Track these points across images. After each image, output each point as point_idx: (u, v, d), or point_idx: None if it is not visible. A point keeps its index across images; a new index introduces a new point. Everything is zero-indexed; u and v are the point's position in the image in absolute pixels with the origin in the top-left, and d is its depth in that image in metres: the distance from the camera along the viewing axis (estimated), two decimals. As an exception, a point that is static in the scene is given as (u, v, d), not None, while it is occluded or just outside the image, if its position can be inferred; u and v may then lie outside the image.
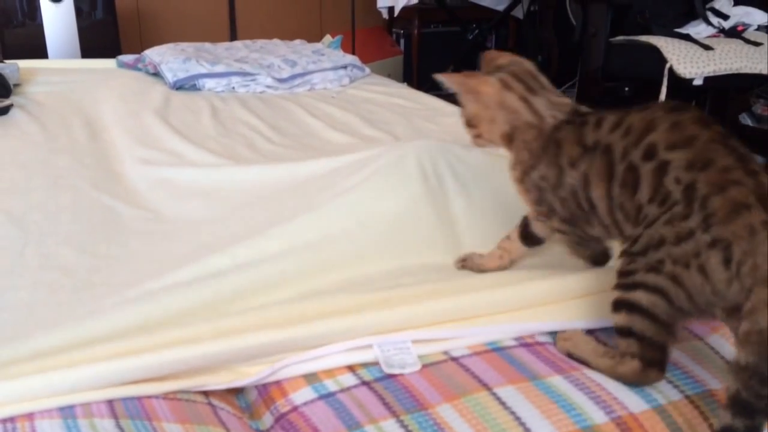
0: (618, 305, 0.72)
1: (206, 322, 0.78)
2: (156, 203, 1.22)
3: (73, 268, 0.97)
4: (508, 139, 0.87)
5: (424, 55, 3.56)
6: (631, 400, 0.71)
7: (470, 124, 0.89)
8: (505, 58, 0.90)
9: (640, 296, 0.70)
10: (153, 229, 1.12)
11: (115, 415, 0.65)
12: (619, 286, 0.73)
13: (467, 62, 3.73)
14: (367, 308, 0.81)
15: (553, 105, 0.85)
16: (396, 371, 0.75)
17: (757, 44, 2.18)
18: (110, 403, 0.66)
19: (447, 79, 0.87)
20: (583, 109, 0.85)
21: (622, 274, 0.72)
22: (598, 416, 0.69)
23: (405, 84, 2.41)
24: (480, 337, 0.81)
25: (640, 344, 0.71)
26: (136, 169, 1.36)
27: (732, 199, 0.65)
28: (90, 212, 1.16)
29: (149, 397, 0.69)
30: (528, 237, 0.92)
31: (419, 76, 3.54)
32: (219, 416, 0.69)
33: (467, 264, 0.96)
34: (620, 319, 0.72)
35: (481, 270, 0.95)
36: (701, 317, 0.72)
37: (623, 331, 0.72)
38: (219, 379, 0.74)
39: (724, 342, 0.81)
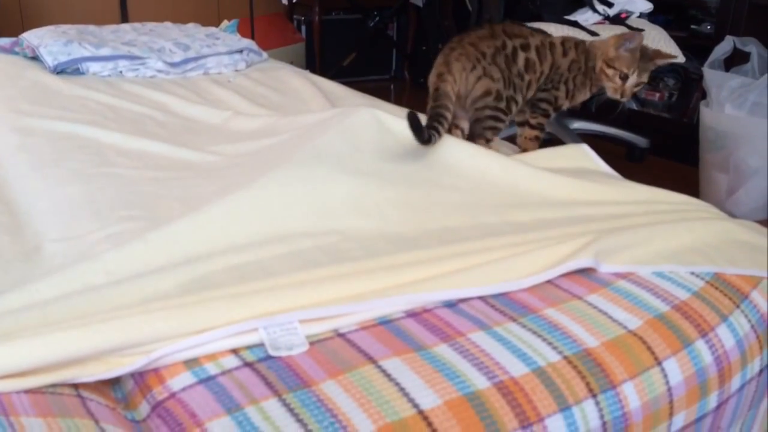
0: None
1: (72, 310, 0.73)
2: (23, 192, 1.13)
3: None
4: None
5: (326, 43, 3.53)
6: (512, 364, 0.73)
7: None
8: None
9: None
10: (15, 222, 1.04)
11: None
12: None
13: (369, 49, 3.74)
14: (253, 293, 0.79)
15: None
16: (283, 353, 0.73)
17: (638, 30, 2.29)
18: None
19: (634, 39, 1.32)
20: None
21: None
22: (480, 382, 0.70)
23: (308, 71, 2.38)
24: (370, 312, 0.80)
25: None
26: (11, 157, 1.26)
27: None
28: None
29: (7, 393, 0.63)
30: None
31: (322, 63, 3.51)
32: (88, 408, 0.65)
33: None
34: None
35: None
36: None
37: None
38: (88, 371, 0.69)
39: (604, 300, 0.84)
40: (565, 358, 0.75)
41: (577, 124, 2.49)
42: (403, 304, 0.81)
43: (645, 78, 1.35)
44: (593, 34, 2.20)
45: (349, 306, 0.79)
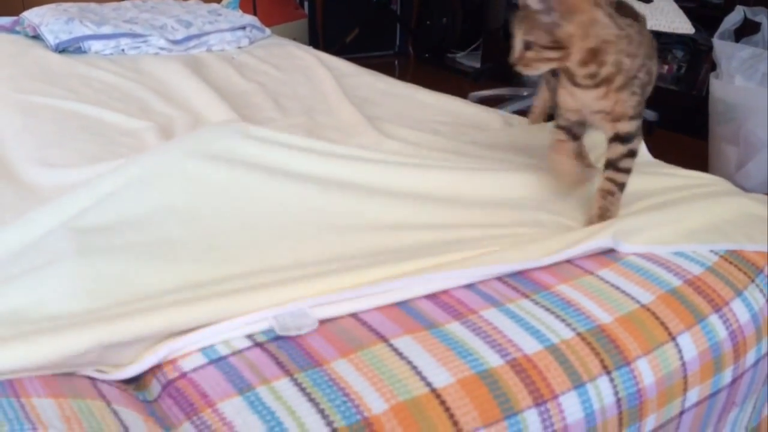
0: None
1: (83, 306, 0.72)
2: (34, 174, 1.12)
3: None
4: (593, 54, 0.89)
5: (329, 18, 3.49)
6: (526, 342, 0.72)
7: (559, 44, 0.88)
8: None
9: None
10: (29, 203, 1.03)
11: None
12: None
13: (373, 25, 3.69)
14: (264, 287, 0.77)
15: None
16: (292, 333, 0.72)
17: (647, 1, 2.25)
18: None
19: None
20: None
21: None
22: (493, 359, 0.69)
23: (311, 47, 2.35)
24: (389, 297, 0.78)
25: None
26: (13, 137, 1.25)
27: None
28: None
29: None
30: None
31: (325, 40, 3.48)
32: (99, 389, 0.65)
33: (603, 218, 0.95)
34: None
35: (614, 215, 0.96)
36: None
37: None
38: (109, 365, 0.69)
39: (615, 275, 0.83)
40: (579, 334, 0.74)
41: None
42: (421, 286, 0.79)
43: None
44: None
45: (364, 289, 0.77)
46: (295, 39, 2.85)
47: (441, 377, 0.67)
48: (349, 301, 0.76)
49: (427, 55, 3.66)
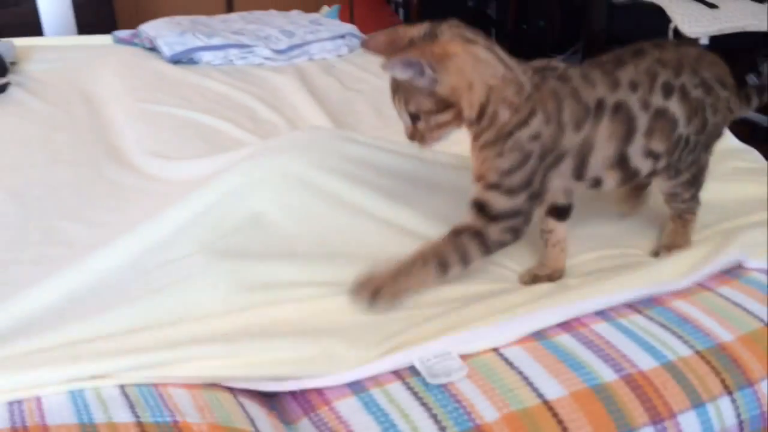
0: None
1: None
2: (157, 176, 1.21)
3: (75, 242, 0.97)
4: (483, 108, 0.74)
5: (424, 24, 3.51)
6: (640, 357, 0.71)
7: (447, 104, 0.73)
8: (415, 27, 0.76)
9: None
10: (154, 201, 1.11)
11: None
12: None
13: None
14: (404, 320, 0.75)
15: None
16: (442, 380, 0.67)
17: (762, 1, 2.13)
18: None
19: (400, 61, 0.71)
20: (538, 61, 0.80)
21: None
22: (606, 374, 0.69)
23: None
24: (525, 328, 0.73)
25: None
26: (136, 145, 1.34)
27: None
28: (90, 186, 1.15)
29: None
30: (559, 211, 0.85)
31: (419, 45, 3.49)
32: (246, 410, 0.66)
33: (538, 279, 0.84)
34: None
35: (560, 277, 0.85)
36: None
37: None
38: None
39: (736, 292, 0.80)
40: (698, 352, 0.72)
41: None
42: (556, 316, 0.75)
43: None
44: (712, 6, 2.07)
45: (502, 325, 0.73)
46: (390, 46, 2.89)
47: (553, 389, 0.67)
48: (487, 338, 0.72)
49: (522, 58, 3.60)
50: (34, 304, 0.77)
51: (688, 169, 0.86)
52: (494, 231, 0.77)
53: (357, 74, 1.87)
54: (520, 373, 0.69)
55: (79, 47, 2.12)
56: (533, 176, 0.76)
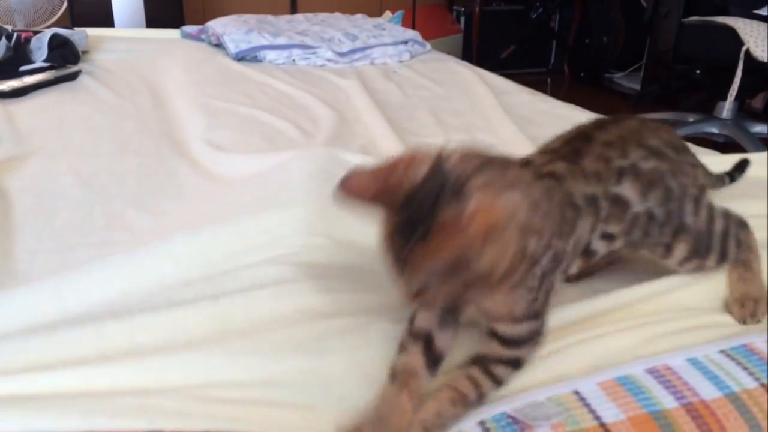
0: None
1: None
2: (216, 170, 1.23)
3: (137, 228, 0.99)
4: (515, 255, 0.60)
5: (485, 34, 3.50)
6: (703, 387, 0.68)
7: (482, 277, 0.57)
8: (408, 164, 0.58)
9: None
10: (213, 192, 1.13)
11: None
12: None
13: (528, 42, 3.65)
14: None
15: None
16: (542, 423, 0.63)
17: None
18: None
19: (440, 267, 0.54)
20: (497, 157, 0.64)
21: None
22: (667, 401, 0.66)
23: (468, 63, 2.37)
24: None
25: None
26: (198, 138, 1.37)
27: None
28: (153, 176, 1.18)
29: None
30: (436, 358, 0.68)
31: (479, 55, 3.49)
32: None
33: None
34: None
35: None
36: None
37: None
38: None
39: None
40: (763, 385, 0.69)
41: (759, 128, 2.28)
42: (642, 366, 0.71)
43: None
44: (789, 30, 2.00)
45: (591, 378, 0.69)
46: (448, 53, 2.89)
47: (610, 412, 0.65)
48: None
49: (582, 74, 3.56)
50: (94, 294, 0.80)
51: (679, 241, 0.79)
52: (525, 352, 0.69)
53: (417, 80, 1.87)
54: (577, 393, 0.67)
55: (148, 40, 2.19)
56: (550, 287, 0.69)
